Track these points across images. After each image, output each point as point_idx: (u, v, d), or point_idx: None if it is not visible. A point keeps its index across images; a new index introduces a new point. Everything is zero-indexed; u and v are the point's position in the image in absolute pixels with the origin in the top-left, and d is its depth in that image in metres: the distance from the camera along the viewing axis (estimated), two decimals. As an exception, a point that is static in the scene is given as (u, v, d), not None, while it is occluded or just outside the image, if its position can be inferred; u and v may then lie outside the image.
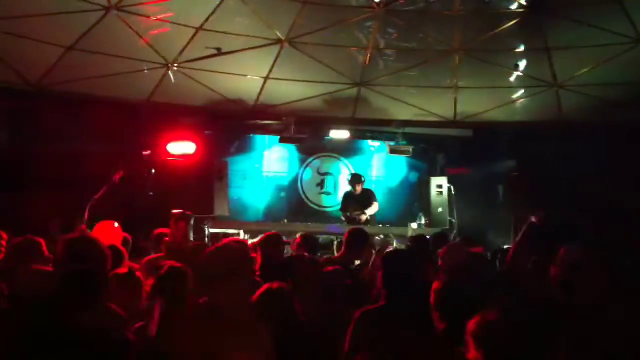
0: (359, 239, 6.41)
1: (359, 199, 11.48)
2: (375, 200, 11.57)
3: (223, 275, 3.42)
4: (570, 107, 11.05)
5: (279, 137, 12.25)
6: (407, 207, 13.31)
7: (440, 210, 12.03)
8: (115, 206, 10.18)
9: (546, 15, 9.02)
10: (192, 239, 8.28)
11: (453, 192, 12.10)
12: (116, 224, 6.87)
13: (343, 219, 11.49)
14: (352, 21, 9.48)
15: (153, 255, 6.59)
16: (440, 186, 12.22)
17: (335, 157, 13.55)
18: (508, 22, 9.07)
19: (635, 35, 9.11)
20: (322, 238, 10.73)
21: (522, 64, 10.05)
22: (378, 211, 11.69)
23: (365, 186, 11.77)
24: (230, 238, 4.72)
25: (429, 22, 9.37)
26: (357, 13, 9.35)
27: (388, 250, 6.65)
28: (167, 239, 6.97)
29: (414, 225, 11.36)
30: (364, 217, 11.26)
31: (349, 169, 13.51)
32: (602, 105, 10.74)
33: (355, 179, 11.63)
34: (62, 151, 9.95)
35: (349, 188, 11.84)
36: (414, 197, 13.33)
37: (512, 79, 10.51)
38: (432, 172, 13.23)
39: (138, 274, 4.81)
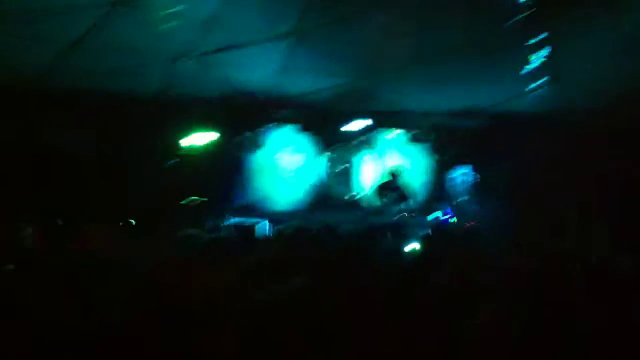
0: None
1: (395, 190, 12.13)
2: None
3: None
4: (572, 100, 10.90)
5: (294, 128, 12.23)
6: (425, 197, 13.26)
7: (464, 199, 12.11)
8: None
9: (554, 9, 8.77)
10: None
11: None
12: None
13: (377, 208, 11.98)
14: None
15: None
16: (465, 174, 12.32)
17: (351, 148, 13.39)
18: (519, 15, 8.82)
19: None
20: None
21: (531, 58, 9.84)
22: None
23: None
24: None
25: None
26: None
27: None
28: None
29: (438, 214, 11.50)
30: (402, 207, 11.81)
31: (365, 159, 13.40)
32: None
33: (397, 172, 12.31)
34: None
35: (386, 179, 12.51)
36: (432, 186, 13.25)
37: (521, 72, 10.29)
38: (451, 162, 13.12)
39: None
